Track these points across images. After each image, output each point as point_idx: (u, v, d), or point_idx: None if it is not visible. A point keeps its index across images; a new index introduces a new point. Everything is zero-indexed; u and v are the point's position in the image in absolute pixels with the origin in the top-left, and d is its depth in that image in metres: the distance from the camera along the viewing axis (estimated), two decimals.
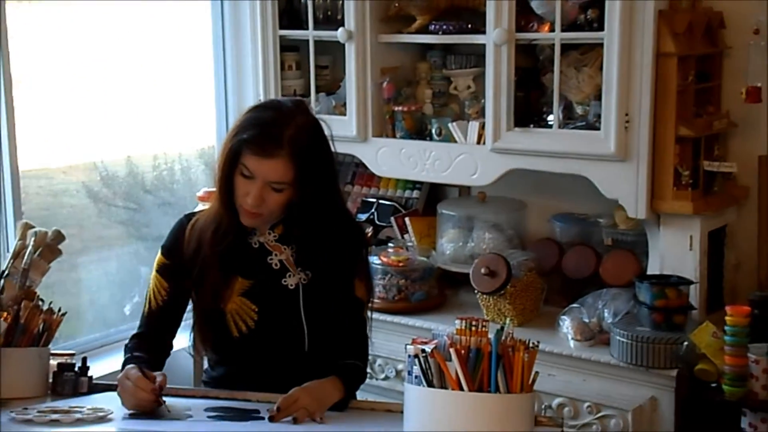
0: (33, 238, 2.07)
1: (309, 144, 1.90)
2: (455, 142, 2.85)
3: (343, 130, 2.94)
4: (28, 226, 2.11)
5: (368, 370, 2.78)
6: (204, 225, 1.99)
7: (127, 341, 2.02)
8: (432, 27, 2.87)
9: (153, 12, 3.17)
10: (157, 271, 2.03)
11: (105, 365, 2.53)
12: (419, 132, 2.96)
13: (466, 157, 2.81)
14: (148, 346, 1.99)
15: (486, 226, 2.96)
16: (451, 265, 2.97)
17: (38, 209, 2.89)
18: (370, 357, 2.71)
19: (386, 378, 2.83)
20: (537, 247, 2.92)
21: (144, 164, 3.27)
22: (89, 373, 2.00)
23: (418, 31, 2.90)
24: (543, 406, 2.51)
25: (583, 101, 2.67)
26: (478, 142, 2.79)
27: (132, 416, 1.80)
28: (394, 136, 2.97)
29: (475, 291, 2.76)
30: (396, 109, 2.95)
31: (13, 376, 1.92)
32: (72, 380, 1.98)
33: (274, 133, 1.87)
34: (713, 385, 2.31)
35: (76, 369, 1.99)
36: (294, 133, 1.88)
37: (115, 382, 1.86)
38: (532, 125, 2.71)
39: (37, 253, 2.06)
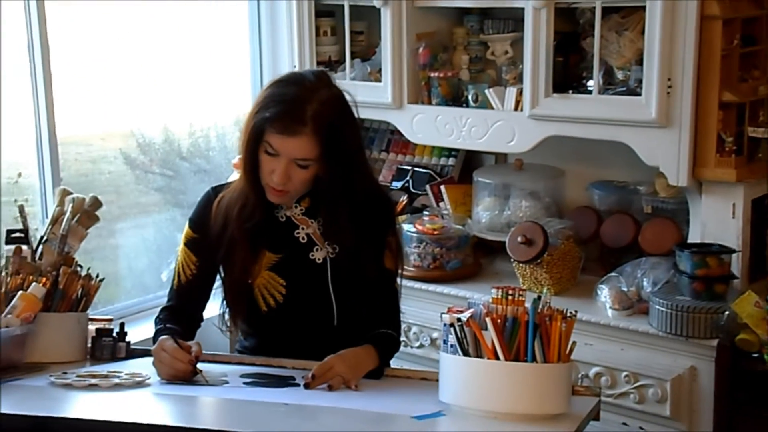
0: (71, 205, 2.09)
1: (333, 118, 1.87)
2: (492, 108, 2.81)
3: (378, 96, 2.92)
4: (66, 193, 2.13)
5: (403, 338, 2.81)
6: (230, 202, 1.97)
7: (157, 314, 2.03)
8: None
9: None
10: (185, 244, 2.02)
11: (142, 331, 2.56)
12: (455, 98, 2.93)
13: (503, 124, 2.77)
14: (179, 318, 2.00)
15: (523, 193, 2.93)
16: (486, 234, 2.95)
17: (76, 176, 2.91)
18: (404, 324, 2.72)
19: (421, 346, 2.83)
20: (575, 215, 2.88)
21: (180, 132, 3.28)
22: (127, 339, 2.03)
23: None
24: (580, 375, 2.49)
25: (624, 66, 2.61)
26: (516, 109, 2.75)
27: (166, 385, 1.81)
28: (429, 103, 2.94)
29: (511, 260, 2.74)
30: (432, 75, 2.92)
31: (53, 341, 1.95)
32: (110, 345, 2.01)
33: (297, 110, 1.84)
34: (755, 355, 2.28)
35: (114, 334, 2.02)
36: (317, 109, 1.85)
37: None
38: (571, 91, 2.66)
39: (75, 219, 2.09)
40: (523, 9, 2.64)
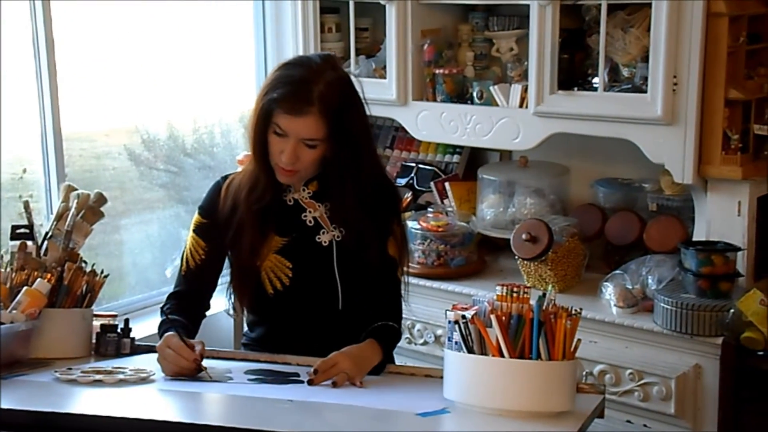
0: (76, 200, 2.09)
1: (339, 99, 1.89)
2: (497, 105, 2.81)
3: (383, 93, 2.92)
4: (71, 189, 2.13)
5: (407, 335, 2.81)
6: (240, 184, 2.00)
7: (163, 302, 2.03)
8: None
9: None
10: (194, 231, 2.04)
11: (147, 327, 2.56)
12: (460, 95, 2.92)
13: (507, 121, 2.77)
14: (186, 306, 2.00)
15: (527, 191, 2.92)
16: (491, 231, 2.95)
17: (81, 172, 2.92)
18: (408, 321, 2.72)
19: (425, 343, 2.83)
20: (579, 213, 2.88)
21: (184, 128, 3.27)
22: (131, 335, 2.03)
23: None
24: (584, 373, 2.49)
25: (630, 63, 2.60)
26: (521, 106, 2.75)
27: (171, 381, 1.82)
28: (434, 100, 2.93)
29: (516, 257, 2.74)
30: (437, 72, 2.91)
31: (57, 337, 1.95)
32: (115, 341, 2.01)
33: (304, 90, 1.86)
34: (760, 353, 2.27)
35: (119, 330, 2.02)
36: (323, 89, 1.87)
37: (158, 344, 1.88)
38: (576, 88, 2.66)
39: (80, 215, 2.09)
40: (528, 6, 2.64)
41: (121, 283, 3.07)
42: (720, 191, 2.51)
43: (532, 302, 1.65)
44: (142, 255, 3.17)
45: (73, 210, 2.08)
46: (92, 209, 2.11)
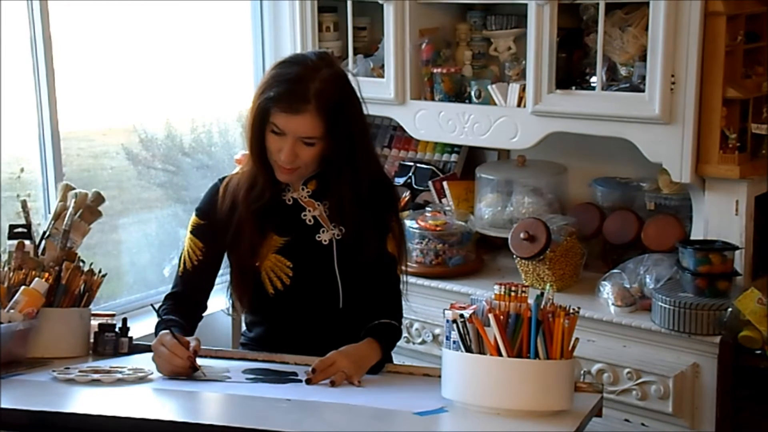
0: (74, 200, 2.09)
1: (336, 96, 1.89)
2: (495, 104, 2.81)
3: (381, 92, 2.92)
4: (68, 188, 2.13)
5: (406, 334, 2.81)
6: (238, 184, 2.00)
7: (161, 303, 2.03)
8: None
9: None
10: (191, 232, 2.03)
11: (145, 326, 2.56)
12: (458, 94, 2.92)
13: (505, 120, 2.77)
14: (182, 307, 2.00)
15: (525, 190, 2.92)
16: (489, 230, 2.95)
17: (79, 171, 2.91)
18: (407, 320, 2.72)
19: (423, 342, 2.83)
20: (577, 212, 2.88)
21: (182, 127, 3.27)
22: (129, 334, 2.03)
23: None
24: (582, 372, 2.49)
25: (628, 62, 2.60)
26: (519, 105, 2.75)
27: (169, 380, 1.81)
28: (432, 99, 2.93)
29: (514, 256, 2.74)
30: (435, 71, 2.91)
31: (55, 336, 1.95)
32: (112, 341, 2.01)
33: (300, 88, 1.87)
34: (757, 352, 2.27)
35: (117, 330, 2.02)
36: (320, 87, 1.87)
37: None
38: (574, 87, 2.66)
39: (78, 214, 2.08)
40: (526, 5, 2.64)
41: (119, 283, 3.06)
42: (718, 190, 2.51)
43: (530, 301, 1.65)
44: (140, 254, 3.17)
45: (70, 209, 2.07)
46: (90, 208, 2.11)
